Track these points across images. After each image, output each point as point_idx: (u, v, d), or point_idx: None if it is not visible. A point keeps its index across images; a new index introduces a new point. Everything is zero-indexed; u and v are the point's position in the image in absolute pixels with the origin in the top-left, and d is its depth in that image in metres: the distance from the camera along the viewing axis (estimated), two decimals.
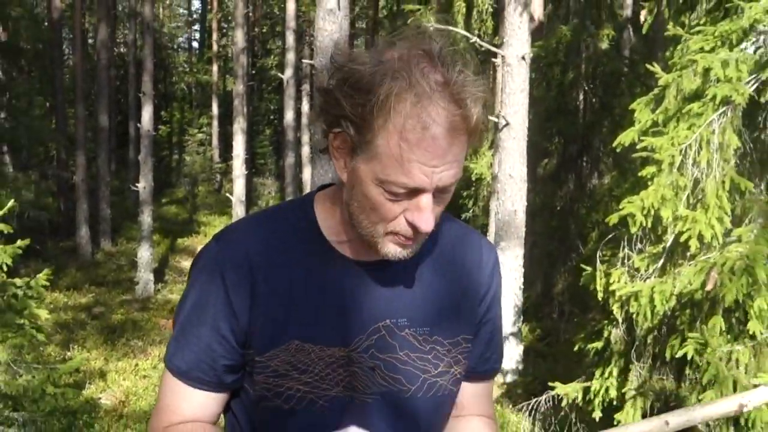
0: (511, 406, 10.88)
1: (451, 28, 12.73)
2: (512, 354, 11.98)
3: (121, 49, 35.85)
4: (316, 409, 1.71)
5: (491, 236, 12.50)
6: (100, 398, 11.68)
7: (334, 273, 1.72)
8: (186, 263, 19.34)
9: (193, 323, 1.72)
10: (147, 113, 17.77)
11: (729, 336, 7.44)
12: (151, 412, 1.81)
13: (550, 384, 9.21)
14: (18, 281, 9.31)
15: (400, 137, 1.49)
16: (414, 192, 1.54)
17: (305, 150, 23.10)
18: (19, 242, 9.26)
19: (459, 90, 1.50)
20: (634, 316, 7.97)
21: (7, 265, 9.13)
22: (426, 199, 1.55)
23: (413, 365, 1.75)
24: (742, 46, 7.81)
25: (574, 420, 9.55)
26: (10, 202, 9.47)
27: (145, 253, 17.46)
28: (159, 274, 18.50)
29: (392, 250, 1.62)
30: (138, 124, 19.31)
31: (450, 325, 1.80)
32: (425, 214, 1.55)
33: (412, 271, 1.76)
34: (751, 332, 7.24)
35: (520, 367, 12.47)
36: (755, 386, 6.84)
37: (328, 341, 1.70)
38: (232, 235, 1.77)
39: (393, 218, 1.58)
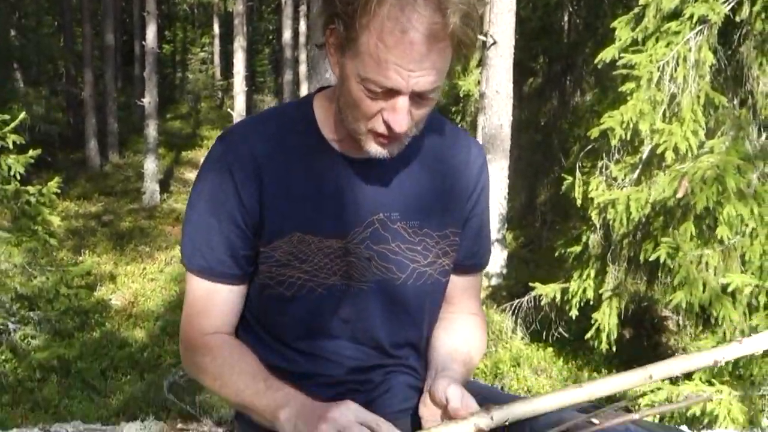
0: (495, 306, 11.00)
1: None
2: (497, 259, 12.07)
3: None
4: (315, 296, 1.74)
5: None
6: (110, 299, 11.78)
7: (332, 169, 1.74)
8: (190, 175, 19.27)
9: (210, 220, 1.72)
10: (151, 32, 17.58)
11: (699, 241, 7.51)
12: (181, 320, 1.81)
13: (531, 285, 9.32)
14: (31, 189, 9.32)
15: (378, 38, 1.49)
16: (390, 93, 1.54)
17: (302, 68, 22.85)
18: (30, 152, 9.25)
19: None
20: (611, 222, 8.03)
21: (20, 173, 9.14)
22: (402, 102, 1.55)
23: (404, 256, 1.78)
24: None
25: (553, 318, 9.68)
26: (21, 115, 9.44)
27: (151, 165, 17.41)
28: (164, 185, 18.49)
29: (373, 148, 1.63)
30: (143, 43, 19.05)
31: (439, 219, 1.82)
32: (399, 116, 1.56)
33: (404, 167, 1.77)
34: (719, 237, 7.31)
35: (504, 271, 12.57)
36: (723, 289, 6.93)
37: (326, 233, 1.72)
38: (237, 134, 1.77)
39: (372, 116, 1.59)
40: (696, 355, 1.81)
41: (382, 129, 1.59)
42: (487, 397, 1.82)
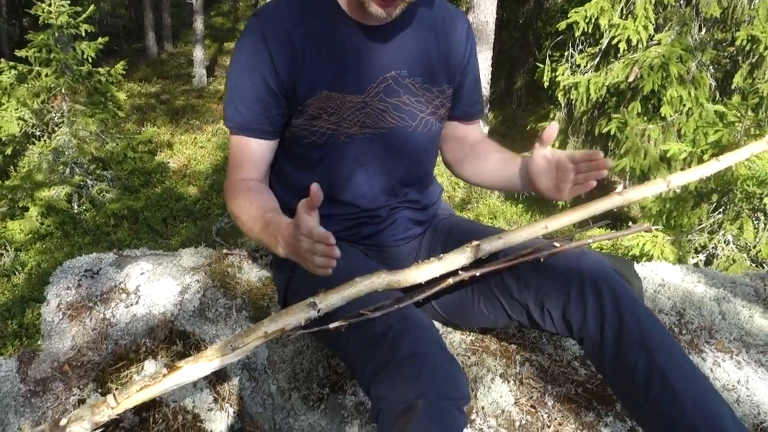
0: None
1: None
2: None
3: None
4: (339, 143, 1.75)
5: None
6: (168, 162, 11.78)
7: (350, 36, 1.71)
8: None
9: (246, 83, 1.70)
10: None
11: (645, 117, 7.45)
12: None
13: None
14: (101, 70, 9.23)
15: None
16: None
17: None
18: (99, 40, 9.12)
19: None
20: (574, 101, 7.96)
21: (92, 57, 9.03)
22: None
23: (413, 107, 1.78)
24: None
25: None
26: (91, 8, 9.25)
27: (199, 53, 17.15)
28: (210, 70, 18.21)
29: (375, 10, 1.61)
30: None
31: (437, 76, 1.82)
32: None
33: (408, 32, 1.76)
34: (662, 115, 7.26)
35: None
36: (661, 155, 6.89)
37: (348, 90, 1.71)
38: (269, 10, 1.73)
39: None
40: (670, 177, 1.83)
41: None
42: (474, 229, 1.86)
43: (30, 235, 8.37)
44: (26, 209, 8.63)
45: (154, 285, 2.15)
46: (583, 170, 1.62)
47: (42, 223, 8.56)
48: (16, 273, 7.65)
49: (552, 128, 1.65)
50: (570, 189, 1.65)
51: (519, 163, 1.82)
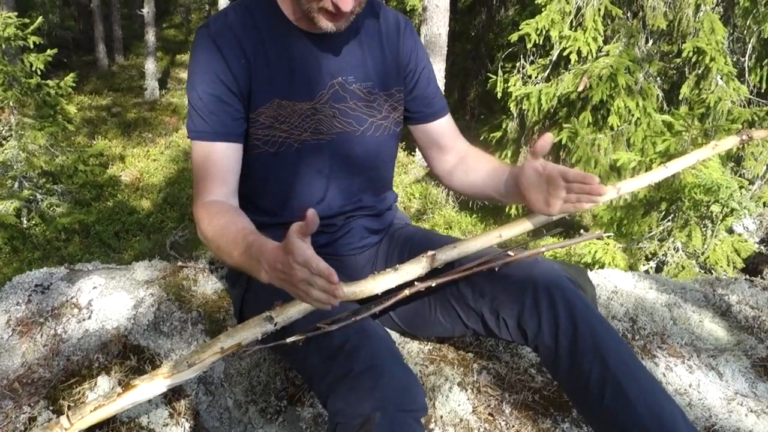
0: (432, 182, 11.05)
1: None
2: None
3: None
4: (292, 151, 1.74)
5: None
6: (120, 176, 11.62)
7: (296, 43, 1.72)
8: (183, 75, 18.81)
9: (206, 90, 1.68)
10: None
11: (594, 127, 7.57)
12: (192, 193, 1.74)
13: None
14: (50, 82, 9.07)
15: None
16: None
17: None
18: (48, 52, 8.97)
19: None
20: (526, 111, 8.06)
21: (40, 69, 8.88)
22: None
23: (360, 111, 1.79)
24: None
25: None
26: (39, 19, 9.09)
27: (150, 66, 16.96)
28: (162, 83, 18.03)
29: (324, 23, 1.62)
30: None
31: (386, 80, 1.83)
32: None
33: (354, 39, 1.78)
34: (611, 125, 7.38)
35: None
36: (611, 164, 6.99)
37: (299, 97, 1.71)
38: (218, 20, 1.72)
39: None
40: (620, 184, 1.86)
41: (330, 7, 1.57)
42: (430, 239, 1.87)
43: None
44: None
45: (107, 299, 2.11)
46: (575, 190, 1.60)
47: None
48: None
49: (545, 139, 1.61)
50: (561, 206, 1.63)
51: (508, 173, 1.79)
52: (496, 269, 1.67)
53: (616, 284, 2.48)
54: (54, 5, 18.35)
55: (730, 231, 5.71)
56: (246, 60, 1.68)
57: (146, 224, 9.66)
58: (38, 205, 9.05)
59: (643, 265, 5.93)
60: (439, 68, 11.69)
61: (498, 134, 8.98)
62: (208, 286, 2.23)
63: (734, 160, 6.60)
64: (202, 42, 1.69)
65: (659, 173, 1.95)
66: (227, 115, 1.69)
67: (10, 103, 8.66)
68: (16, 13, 8.99)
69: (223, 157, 1.70)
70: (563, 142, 7.53)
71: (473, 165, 1.93)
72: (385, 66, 1.83)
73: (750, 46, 7.59)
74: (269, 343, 1.49)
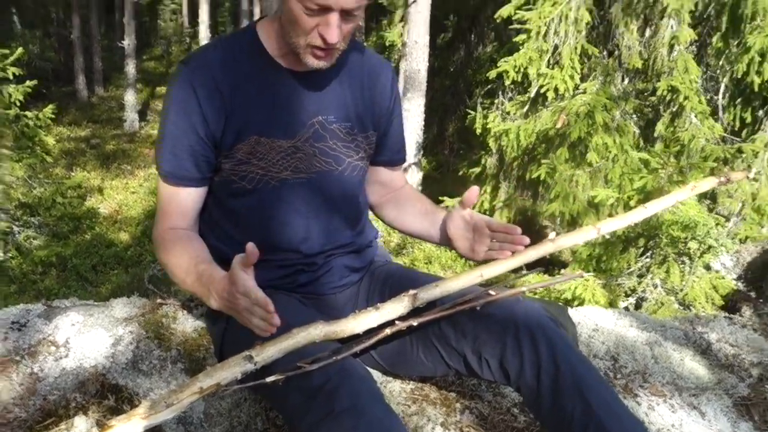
0: None
1: None
2: (414, 179, 12.08)
3: None
4: (270, 188, 1.74)
5: (401, 88, 12.37)
6: (99, 208, 11.54)
7: (278, 81, 1.73)
8: None
9: (175, 131, 1.70)
10: None
11: (573, 163, 7.62)
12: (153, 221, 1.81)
13: (440, 199, 9.39)
14: (29, 114, 9.04)
15: None
16: (324, 10, 1.55)
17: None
18: (28, 83, 8.95)
19: None
20: (505, 148, 8.11)
21: (19, 101, 8.86)
22: (333, 17, 1.56)
23: (339, 151, 1.80)
24: None
25: None
26: (19, 50, 9.10)
27: (130, 98, 16.97)
28: (142, 115, 18.02)
29: (311, 60, 1.64)
30: None
31: (364, 122, 1.84)
32: (332, 29, 1.57)
33: (336, 79, 1.79)
34: (589, 161, 7.44)
35: (420, 189, 12.63)
36: (589, 200, 7.03)
37: (279, 135, 1.72)
38: (197, 58, 1.73)
39: (309, 31, 1.59)
40: (600, 224, 1.87)
41: (318, 42, 1.60)
42: (411, 277, 1.87)
43: None
44: None
45: (85, 337, 2.08)
46: (499, 239, 1.72)
47: None
48: None
49: (472, 192, 1.75)
50: (484, 252, 1.75)
51: (439, 216, 1.91)
52: (478, 308, 1.67)
53: (597, 322, 2.48)
54: (34, 36, 18.33)
55: (708, 268, 5.75)
56: (222, 100, 1.68)
57: (124, 257, 9.57)
58: (15, 238, 8.97)
59: (623, 301, 5.95)
60: (418, 103, 11.78)
61: (477, 170, 9.03)
62: (187, 323, 2.21)
63: (709, 197, 6.67)
64: (179, 80, 1.70)
65: (639, 214, 1.97)
66: (193, 161, 1.71)
67: None
68: None
69: (185, 200, 1.77)
70: (542, 178, 7.58)
71: (406, 201, 2.04)
72: (364, 107, 1.85)
73: (723, 85, 7.71)
74: (249, 383, 1.47)
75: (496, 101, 8.69)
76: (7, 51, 8.81)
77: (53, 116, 9.38)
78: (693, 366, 2.32)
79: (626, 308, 5.77)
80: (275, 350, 1.48)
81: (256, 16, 21.92)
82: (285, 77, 1.73)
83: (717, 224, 5.51)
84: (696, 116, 7.29)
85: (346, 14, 1.57)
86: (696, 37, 7.91)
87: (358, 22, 1.65)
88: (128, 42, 16.58)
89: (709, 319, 2.70)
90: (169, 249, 1.73)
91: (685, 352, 2.38)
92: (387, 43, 14.72)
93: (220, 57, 1.72)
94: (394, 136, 1.97)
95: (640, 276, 5.96)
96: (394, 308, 1.64)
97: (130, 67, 16.74)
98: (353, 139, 1.82)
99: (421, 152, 12.77)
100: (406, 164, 1.99)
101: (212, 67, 1.70)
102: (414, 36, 11.43)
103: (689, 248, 5.53)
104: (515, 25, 8.12)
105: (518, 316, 1.64)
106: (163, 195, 1.77)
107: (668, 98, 7.41)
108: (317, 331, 1.53)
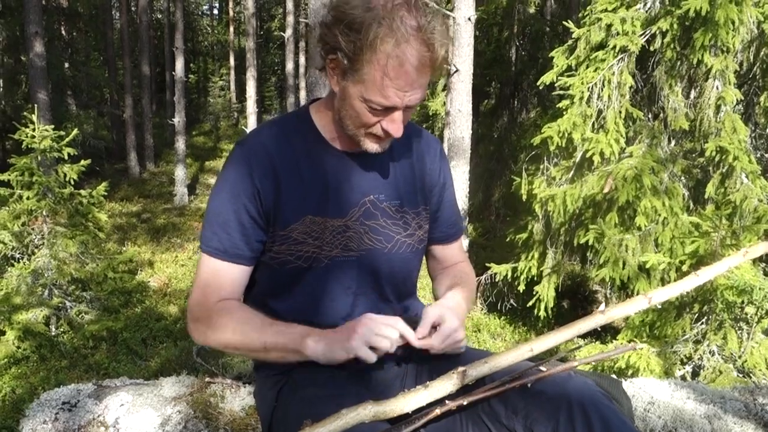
0: None
1: None
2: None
3: (158, 15, 34.96)
4: (322, 266, 1.76)
5: None
6: (149, 281, 11.69)
7: (331, 162, 1.77)
8: (212, 180, 19.22)
9: (228, 209, 1.72)
10: (179, 64, 17.48)
11: (621, 228, 7.54)
12: (190, 292, 1.79)
13: (488, 265, 9.33)
14: (83, 192, 9.27)
15: (383, 71, 1.55)
16: (389, 109, 1.61)
17: (302, 93, 22.79)
18: (82, 162, 9.20)
19: (429, 36, 1.55)
20: (551, 213, 8.07)
21: (74, 179, 9.09)
22: (398, 114, 1.62)
23: (389, 229, 1.81)
24: (637, 6, 7.76)
25: (505, 293, 9.71)
26: (74, 132, 9.39)
27: (180, 173, 17.38)
28: (191, 189, 18.42)
29: (370, 146, 1.70)
30: (173, 73, 19.02)
31: (414, 199, 1.86)
32: (396, 125, 1.63)
33: (386, 159, 1.82)
34: (638, 225, 7.35)
35: (467, 256, 12.58)
36: (640, 265, 6.93)
37: (332, 214, 1.75)
38: (253, 139, 1.78)
39: (372, 125, 1.65)
40: (651, 293, 1.84)
41: (380, 133, 1.66)
42: (461, 353, 1.84)
43: (5, 360, 8.17)
44: (2, 333, 8.46)
45: (134, 417, 2.09)
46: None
47: (18, 347, 8.37)
48: None
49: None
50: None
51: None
52: (529, 385, 1.64)
53: (653, 395, 2.41)
54: (88, 117, 18.98)
55: (767, 333, 5.57)
56: (276, 179, 1.72)
57: (173, 330, 9.64)
58: (67, 313, 9.10)
59: (679, 369, 5.77)
60: (463, 170, 11.81)
61: (524, 235, 8.97)
62: (235, 402, 2.21)
63: (765, 259, 6.50)
64: (235, 160, 1.74)
65: (690, 281, 1.93)
66: (242, 238, 1.73)
67: (44, 212, 8.85)
68: (52, 126, 9.28)
69: (231, 276, 1.77)
70: (590, 242, 7.50)
71: (443, 278, 2.05)
72: (414, 184, 1.87)
73: None
74: None
75: (541, 166, 8.68)
76: (62, 132, 9.10)
77: (106, 193, 9.61)
78: None
79: (683, 377, 5.60)
80: (324, 431, 1.47)
81: (302, 90, 22.47)
82: (337, 158, 1.77)
83: None
84: (747, 176, 7.18)
85: (407, 108, 1.64)
86: (742, 97, 7.85)
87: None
88: (178, 119, 17.09)
89: None
90: (223, 317, 1.72)
91: (746, 426, 2.29)
92: (430, 113, 14.92)
93: (272, 137, 1.77)
94: (446, 211, 1.99)
95: (696, 343, 5.80)
96: (444, 386, 1.62)
97: (180, 143, 17.21)
98: (402, 216, 1.84)
99: (467, 219, 12.79)
100: None
101: (267, 148, 1.74)
102: (457, 105, 11.52)
103: (746, 313, 5.38)
104: (558, 91, 8.17)
105: (570, 392, 1.60)
106: (209, 270, 1.77)
107: (717, 159, 7.32)
108: (366, 412, 1.51)
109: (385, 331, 1.60)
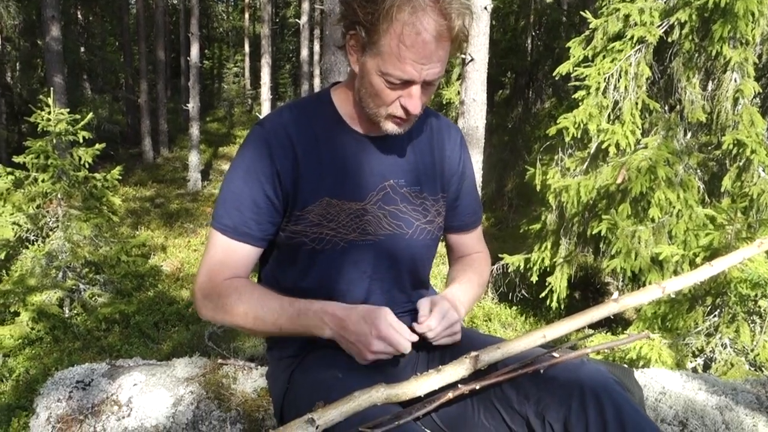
0: None
1: None
2: None
3: (173, 0, 34.98)
4: (338, 249, 1.75)
5: None
6: (161, 266, 11.75)
7: (351, 145, 1.76)
8: (225, 166, 19.26)
9: (243, 188, 1.72)
10: (195, 50, 17.50)
11: (634, 219, 7.51)
12: (199, 267, 1.77)
13: (500, 256, 9.32)
14: (97, 175, 9.33)
15: (399, 39, 1.54)
16: (407, 83, 1.59)
17: (316, 80, 22.75)
18: (97, 146, 9.25)
19: (446, 5, 1.53)
20: (565, 204, 8.04)
21: (88, 163, 9.14)
22: (416, 89, 1.60)
23: (410, 215, 1.81)
24: None
25: (517, 283, 9.70)
26: (89, 115, 9.44)
27: (194, 158, 17.43)
28: (205, 174, 18.48)
29: (391, 127, 1.68)
30: (188, 59, 19.08)
31: (434, 185, 1.86)
32: (414, 100, 1.61)
33: (407, 144, 1.81)
34: (651, 217, 7.32)
35: (485, 245, 12.56)
36: (653, 257, 6.90)
37: (349, 197, 1.74)
38: (274, 119, 1.77)
39: (391, 102, 1.63)
40: (665, 283, 1.83)
41: (400, 113, 1.65)
42: (472, 339, 1.84)
43: (20, 341, 8.24)
44: (17, 314, 8.53)
45: (147, 396, 2.10)
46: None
47: (32, 329, 8.45)
48: (4, 380, 7.49)
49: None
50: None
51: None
52: (542, 371, 1.64)
53: (664, 385, 2.41)
54: (104, 101, 19.09)
55: None
56: (296, 160, 1.71)
57: (185, 315, 9.69)
58: (81, 295, 9.17)
59: (691, 361, 5.75)
60: (476, 160, 11.77)
61: (537, 226, 8.95)
62: (247, 384, 2.22)
63: None
64: (255, 139, 1.74)
65: (704, 272, 1.92)
66: (254, 218, 1.72)
67: (58, 195, 8.91)
68: (68, 109, 9.33)
69: (241, 255, 1.76)
70: (603, 233, 7.47)
71: (456, 268, 2.07)
72: (434, 171, 1.86)
73: None
74: None
75: (555, 157, 8.65)
76: (78, 116, 9.15)
77: (120, 177, 9.66)
78: None
79: (694, 369, 5.58)
80: (337, 413, 1.47)
81: (316, 77, 22.44)
82: (357, 141, 1.77)
83: None
84: (764, 170, 7.13)
85: (426, 84, 1.62)
86: (761, 90, 7.79)
87: (435, 88, 1.69)
88: (192, 105, 17.12)
89: None
90: (235, 296, 1.70)
91: (758, 418, 2.28)
92: (444, 101, 14.88)
93: (295, 119, 1.76)
94: (466, 199, 1.98)
95: (708, 335, 5.78)
96: (456, 370, 1.62)
97: (194, 129, 17.25)
98: (422, 202, 1.84)
99: (480, 209, 12.78)
100: None
101: (287, 127, 1.73)
102: (471, 94, 11.47)
103: (760, 306, 5.35)
104: (574, 82, 8.13)
105: (583, 378, 1.60)
106: (219, 248, 1.75)
107: (734, 152, 7.26)
108: (379, 394, 1.51)
109: (398, 344, 1.63)
